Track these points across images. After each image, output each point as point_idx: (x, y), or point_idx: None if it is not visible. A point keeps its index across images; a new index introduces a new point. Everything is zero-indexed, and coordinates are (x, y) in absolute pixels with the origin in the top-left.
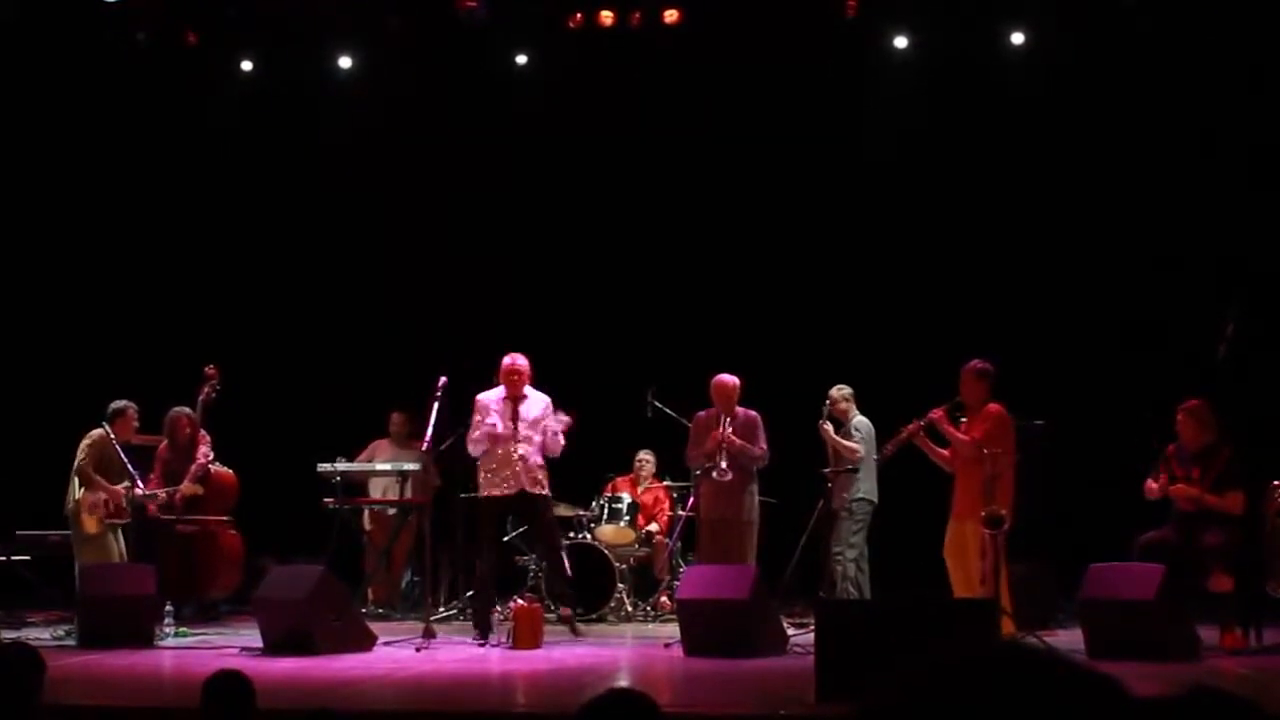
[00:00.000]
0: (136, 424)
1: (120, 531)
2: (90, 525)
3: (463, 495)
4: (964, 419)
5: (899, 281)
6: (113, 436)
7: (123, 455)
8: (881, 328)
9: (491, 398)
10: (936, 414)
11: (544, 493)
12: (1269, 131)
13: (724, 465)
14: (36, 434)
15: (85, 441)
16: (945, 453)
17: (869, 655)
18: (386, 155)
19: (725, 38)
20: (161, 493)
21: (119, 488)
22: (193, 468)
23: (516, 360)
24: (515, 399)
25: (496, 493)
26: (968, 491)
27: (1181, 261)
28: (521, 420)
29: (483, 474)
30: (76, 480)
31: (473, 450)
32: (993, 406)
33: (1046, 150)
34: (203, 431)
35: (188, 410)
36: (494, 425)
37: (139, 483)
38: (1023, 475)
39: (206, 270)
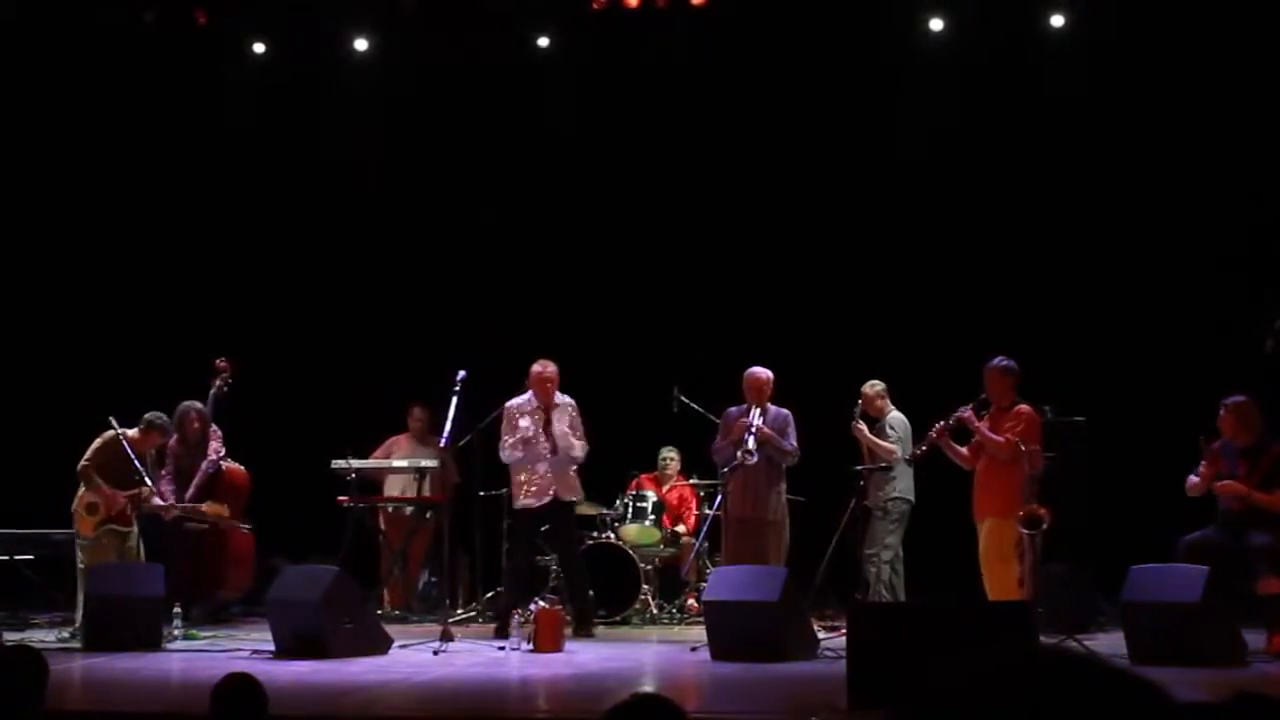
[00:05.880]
0: (161, 442)
1: (120, 535)
2: (85, 527)
3: (481, 494)
4: (986, 417)
5: (933, 275)
6: (125, 440)
7: (135, 459)
8: (916, 323)
9: (523, 405)
10: (967, 414)
11: (575, 499)
12: None
13: (751, 447)
14: (42, 430)
15: (96, 441)
16: (966, 451)
17: (903, 660)
18: (403, 142)
19: (754, 21)
20: (176, 507)
21: (123, 493)
22: (204, 464)
23: (548, 367)
24: (547, 407)
25: (532, 504)
26: (1001, 493)
27: (1228, 254)
28: (554, 428)
29: (515, 484)
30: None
31: (506, 458)
32: (1023, 407)
33: (1086, 139)
34: (214, 427)
35: (198, 405)
36: (528, 433)
37: (154, 486)
38: (1062, 473)
39: (217, 260)
